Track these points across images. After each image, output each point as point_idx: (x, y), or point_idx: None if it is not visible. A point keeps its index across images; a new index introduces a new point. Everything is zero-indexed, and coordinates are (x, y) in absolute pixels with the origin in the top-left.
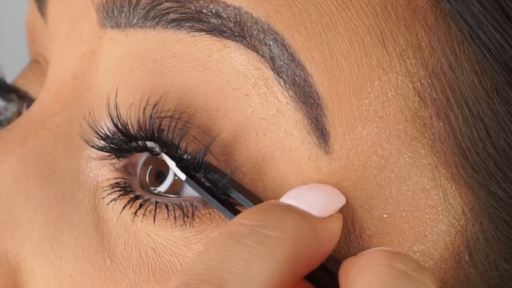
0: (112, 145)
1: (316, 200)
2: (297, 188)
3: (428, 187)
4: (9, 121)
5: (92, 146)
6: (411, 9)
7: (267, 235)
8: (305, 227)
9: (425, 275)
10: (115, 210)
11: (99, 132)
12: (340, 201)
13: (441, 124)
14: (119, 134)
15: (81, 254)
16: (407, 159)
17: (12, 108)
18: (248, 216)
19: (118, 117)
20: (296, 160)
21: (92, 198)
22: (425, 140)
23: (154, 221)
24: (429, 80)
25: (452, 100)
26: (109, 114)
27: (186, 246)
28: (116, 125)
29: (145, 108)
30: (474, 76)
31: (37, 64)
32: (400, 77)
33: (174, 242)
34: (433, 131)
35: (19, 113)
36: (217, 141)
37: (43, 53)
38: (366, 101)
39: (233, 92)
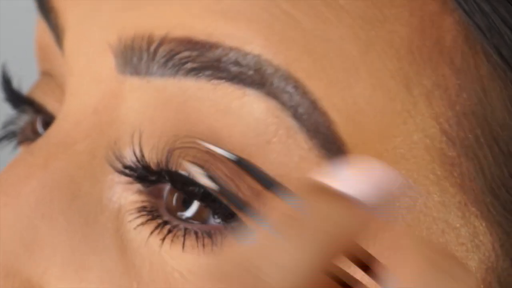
0: (136, 175)
1: None
2: None
3: (458, 225)
4: (22, 130)
5: (118, 172)
6: (438, 50)
7: None
8: None
9: None
10: (142, 234)
11: (124, 164)
12: None
13: (470, 163)
14: (143, 170)
15: (107, 278)
16: (436, 198)
17: (25, 117)
18: None
19: (142, 157)
20: None
21: (115, 221)
22: (453, 179)
23: (183, 248)
24: (457, 119)
25: (482, 139)
26: (134, 153)
27: None
28: (139, 162)
29: (164, 150)
30: (505, 113)
31: (51, 77)
32: (426, 119)
33: (201, 268)
34: (461, 170)
35: (32, 124)
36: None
37: (55, 72)
38: (392, 145)
39: (256, 138)
